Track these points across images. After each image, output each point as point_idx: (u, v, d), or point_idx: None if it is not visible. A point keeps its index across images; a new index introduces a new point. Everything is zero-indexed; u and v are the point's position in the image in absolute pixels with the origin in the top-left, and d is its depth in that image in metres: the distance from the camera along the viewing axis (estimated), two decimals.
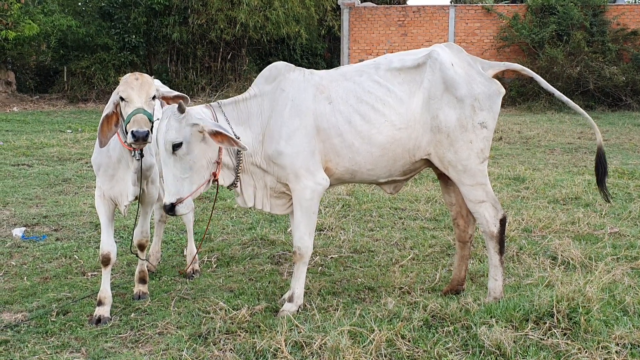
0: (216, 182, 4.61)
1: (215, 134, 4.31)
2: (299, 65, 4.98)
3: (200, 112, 4.48)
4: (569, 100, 4.83)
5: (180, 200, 4.35)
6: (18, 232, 6.87)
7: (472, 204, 4.69)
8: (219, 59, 24.30)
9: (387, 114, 4.58)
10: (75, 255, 6.15)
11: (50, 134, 14.45)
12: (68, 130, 15.24)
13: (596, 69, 21.52)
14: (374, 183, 4.88)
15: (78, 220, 7.35)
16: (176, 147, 4.33)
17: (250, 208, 4.91)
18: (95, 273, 5.72)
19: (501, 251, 4.72)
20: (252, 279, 5.49)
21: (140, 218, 5.21)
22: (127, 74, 4.66)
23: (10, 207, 7.98)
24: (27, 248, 6.38)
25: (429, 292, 5.03)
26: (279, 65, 4.88)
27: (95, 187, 5.01)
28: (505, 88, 4.85)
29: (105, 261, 4.82)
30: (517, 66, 4.90)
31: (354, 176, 4.74)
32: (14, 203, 8.15)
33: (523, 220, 6.96)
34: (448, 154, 4.58)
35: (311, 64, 30.27)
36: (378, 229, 6.97)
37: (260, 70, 4.86)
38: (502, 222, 4.69)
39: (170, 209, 4.35)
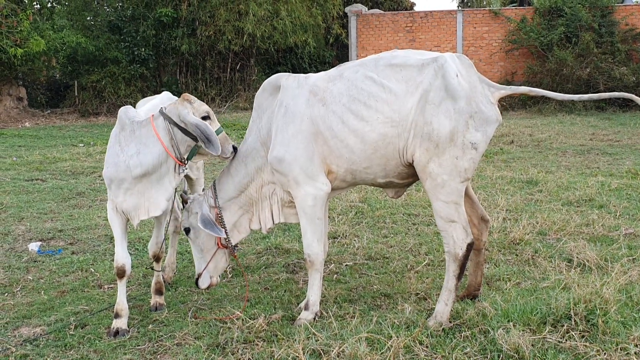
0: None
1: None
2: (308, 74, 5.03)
3: (201, 202, 4.97)
4: (592, 95, 4.70)
5: (199, 275, 5.01)
6: (34, 246, 6.91)
7: (441, 222, 4.49)
8: (228, 70, 24.42)
9: (380, 109, 4.47)
10: (91, 269, 6.19)
11: (63, 149, 14.54)
12: (80, 144, 15.33)
13: (606, 69, 21.46)
14: (374, 184, 4.84)
15: (93, 234, 7.39)
16: (187, 232, 5.01)
17: (270, 229, 5.04)
18: (112, 286, 5.75)
19: (459, 276, 4.52)
20: (268, 288, 5.50)
21: (155, 230, 5.24)
22: (189, 96, 4.81)
23: (25, 221, 8.03)
24: (43, 262, 6.42)
25: None
26: (271, 79, 4.99)
27: (107, 200, 5.03)
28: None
29: (121, 273, 4.84)
30: (524, 89, 4.75)
31: (355, 177, 4.72)
32: (29, 218, 8.21)
33: (537, 223, 6.94)
34: (431, 164, 4.40)
35: (319, 71, 30.28)
36: (392, 235, 6.97)
37: None
38: (469, 247, 4.49)
39: (196, 284, 5.06)
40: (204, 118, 4.76)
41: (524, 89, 4.71)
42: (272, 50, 23.97)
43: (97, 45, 22.07)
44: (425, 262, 5.95)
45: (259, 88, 5.12)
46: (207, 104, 23.75)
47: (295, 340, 4.17)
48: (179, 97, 5.10)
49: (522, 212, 7.59)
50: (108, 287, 5.73)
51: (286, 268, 6.03)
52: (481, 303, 4.63)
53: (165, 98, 5.59)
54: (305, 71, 30.22)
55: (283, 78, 4.86)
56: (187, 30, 23.05)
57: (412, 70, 4.50)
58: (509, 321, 4.31)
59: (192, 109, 4.70)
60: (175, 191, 5.02)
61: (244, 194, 4.95)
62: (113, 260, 6.31)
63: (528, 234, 6.57)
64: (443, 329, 4.35)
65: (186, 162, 4.84)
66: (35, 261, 6.49)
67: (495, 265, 5.78)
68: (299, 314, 4.80)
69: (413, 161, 4.48)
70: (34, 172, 11.58)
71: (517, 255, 6.07)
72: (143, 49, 22.58)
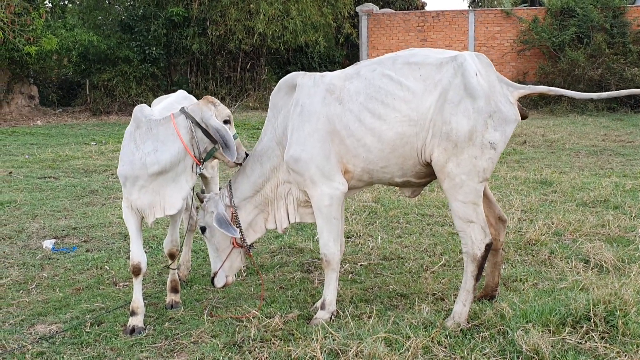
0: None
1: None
2: None
3: (217, 201, 4.95)
4: (611, 93, 4.62)
5: (215, 274, 4.99)
6: (48, 244, 6.92)
7: (459, 222, 4.46)
8: (238, 69, 24.42)
9: (398, 107, 4.43)
10: (106, 266, 6.19)
11: (75, 147, 14.57)
12: (92, 143, 15.37)
13: (618, 70, 21.37)
14: (391, 184, 4.80)
15: (107, 231, 7.39)
16: (203, 231, 4.99)
17: (285, 229, 5.02)
18: (127, 283, 5.75)
19: (478, 277, 4.48)
20: (283, 287, 5.48)
21: (170, 228, 5.23)
22: (212, 98, 4.84)
23: (39, 219, 8.05)
24: (58, 260, 6.43)
25: None
26: (286, 78, 4.96)
27: (121, 198, 5.03)
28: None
29: (136, 271, 4.83)
30: (543, 88, 4.69)
31: (371, 176, 4.68)
32: (42, 215, 8.22)
33: (553, 224, 6.90)
34: (450, 164, 4.36)
35: (330, 71, 30.25)
36: (406, 235, 6.94)
37: (279, 79, 5.00)
38: (488, 247, 4.45)
39: (212, 283, 5.04)
40: (225, 122, 4.77)
41: (542, 89, 4.67)
42: (282, 49, 23.94)
43: (108, 44, 22.12)
44: (441, 262, 5.92)
45: (268, 87, 5.15)
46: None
47: (313, 339, 4.15)
48: (194, 96, 5.12)
49: (537, 213, 7.55)
50: (123, 285, 5.73)
51: (300, 267, 6.02)
52: (499, 304, 4.60)
53: (180, 97, 5.59)
54: (315, 71, 30.20)
55: (299, 77, 4.84)
56: (198, 30, 23.08)
57: (431, 68, 4.46)
58: (527, 322, 4.28)
59: (215, 112, 4.71)
60: (192, 190, 5.02)
61: (260, 194, 4.93)
62: (128, 258, 6.35)
63: (544, 235, 6.53)
64: (461, 330, 4.32)
65: (203, 162, 4.84)
66: (49, 258, 6.50)
67: (512, 266, 5.74)
68: (315, 313, 4.78)
69: (431, 161, 4.45)
70: (46, 170, 11.60)
71: (533, 256, 6.03)
72: (154, 48, 22.61)
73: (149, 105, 5.32)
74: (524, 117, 4.53)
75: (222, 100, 23.20)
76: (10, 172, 11.18)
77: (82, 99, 22.99)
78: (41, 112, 21.88)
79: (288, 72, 28.63)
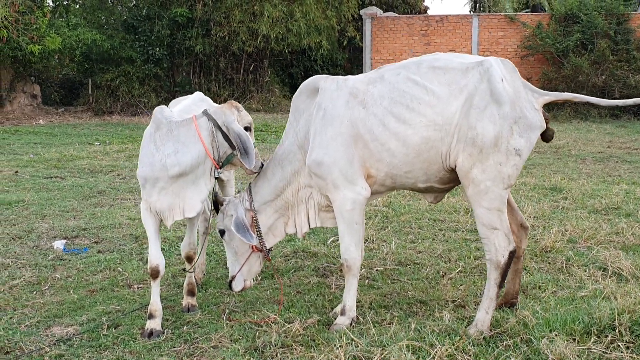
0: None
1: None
2: None
3: (237, 205, 4.91)
4: (637, 100, 4.60)
5: (232, 278, 4.96)
6: (59, 244, 6.88)
7: (483, 229, 4.41)
8: (241, 71, 24.41)
9: (423, 112, 4.39)
10: (119, 268, 6.15)
11: (79, 147, 14.52)
12: (96, 143, 15.33)
13: (621, 77, 21.41)
14: (414, 189, 4.76)
15: (117, 233, 7.35)
16: (222, 234, 4.96)
17: (305, 234, 4.98)
18: (141, 285, 5.71)
19: (501, 285, 4.44)
20: (300, 292, 5.44)
21: (187, 231, 5.19)
22: (236, 103, 4.83)
23: (48, 219, 8.00)
24: (70, 261, 6.38)
25: None
26: (308, 82, 4.93)
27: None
28: None
29: (155, 274, 4.78)
30: (568, 95, 4.66)
31: (394, 181, 4.64)
32: (51, 215, 8.17)
33: (567, 231, 6.87)
34: (475, 170, 4.33)
35: (331, 74, 30.17)
36: (420, 240, 6.91)
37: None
38: (511, 254, 4.41)
39: (229, 286, 5.01)
40: (246, 129, 4.75)
41: (567, 95, 4.64)
42: (285, 52, 23.94)
43: (112, 43, 22.09)
44: (458, 269, 5.88)
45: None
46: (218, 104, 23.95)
47: (336, 345, 4.11)
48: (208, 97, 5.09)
49: (549, 219, 7.52)
50: (137, 287, 5.68)
51: (316, 271, 5.98)
52: (521, 312, 4.57)
53: (197, 99, 5.56)
54: (317, 74, 30.12)
55: (321, 80, 4.80)
56: (202, 31, 23.06)
57: (456, 73, 4.43)
58: (550, 331, 4.25)
59: (237, 117, 4.68)
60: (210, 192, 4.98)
61: (280, 198, 4.89)
62: (140, 260, 6.32)
63: (558, 242, 6.49)
64: (484, 338, 4.29)
65: (222, 166, 4.80)
66: (61, 259, 6.45)
67: (530, 274, 5.71)
68: (335, 318, 4.75)
69: (455, 166, 4.41)
70: (52, 170, 11.56)
71: (549, 263, 5.99)
72: (157, 49, 22.58)
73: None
74: (546, 122, 4.50)
75: (225, 102, 23.17)
76: (16, 172, 11.14)
77: (84, 99, 22.95)
78: (43, 111, 21.83)
79: (291, 75, 28.76)
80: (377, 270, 5.93)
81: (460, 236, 7.02)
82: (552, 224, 7.23)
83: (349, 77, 4.76)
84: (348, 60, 30.99)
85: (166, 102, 22.83)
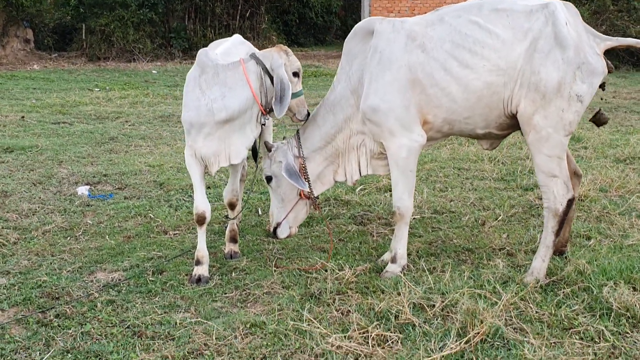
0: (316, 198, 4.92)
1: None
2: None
3: (286, 151, 4.77)
4: None
5: (278, 224, 4.83)
6: (83, 190, 6.76)
7: (543, 176, 4.34)
8: (238, 17, 23.91)
9: (487, 56, 4.27)
10: (150, 214, 6.05)
11: (80, 92, 14.24)
12: (96, 89, 15.03)
13: (621, 27, 21.19)
14: (471, 135, 4.67)
15: (141, 179, 7.22)
16: (268, 180, 4.83)
17: (356, 182, 4.89)
18: (177, 232, 5.63)
19: (558, 233, 4.39)
20: (342, 240, 5.38)
21: (231, 177, 5.10)
22: (285, 47, 4.65)
23: (65, 165, 7.86)
24: (98, 207, 6.28)
25: (532, 254, 4.89)
26: (362, 23, 4.76)
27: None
28: None
29: (201, 220, 4.69)
30: (632, 40, 4.51)
31: (452, 127, 4.54)
32: (68, 161, 8.02)
33: (597, 180, 6.82)
34: (536, 116, 4.24)
35: (326, 22, 29.91)
36: (449, 189, 6.84)
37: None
38: (570, 202, 4.35)
39: (274, 233, 4.89)
40: (294, 74, 4.60)
41: (631, 41, 4.52)
42: None
43: None
44: (496, 217, 5.83)
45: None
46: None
47: (399, 293, 4.07)
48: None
49: None
50: (174, 234, 5.60)
51: (353, 219, 5.91)
52: (576, 260, 4.54)
53: (237, 41, 5.38)
54: (311, 21, 29.77)
55: (377, 22, 4.63)
56: None
57: (520, 16, 4.30)
58: (607, 279, 4.23)
59: (286, 61, 4.52)
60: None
61: (331, 145, 4.77)
62: (170, 206, 6.24)
63: (590, 191, 6.46)
64: (541, 286, 4.26)
65: (267, 112, 4.66)
66: (88, 205, 6.34)
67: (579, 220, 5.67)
68: (384, 266, 4.70)
69: (516, 112, 4.32)
70: (57, 115, 11.33)
71: (586, 212, 5.96)
72: None
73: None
74: (609, 71, 4.40)
75: None
76: (23, 117, 10.91)
77: (78, 44, 22.36)
78: (37, 56, 21.34)
79: (286, 22, 28.32)
80: (414, 218, 5.87)
81: (488, 185, 6.96)
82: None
83: (406, 18, 4.60)
84: (342, 7, 30.61)
85: (161, 48, 22.53)
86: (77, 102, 12.79)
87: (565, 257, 4.76)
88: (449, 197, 6.54)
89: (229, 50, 5.10)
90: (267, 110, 4.62)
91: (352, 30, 4.75)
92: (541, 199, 6.08)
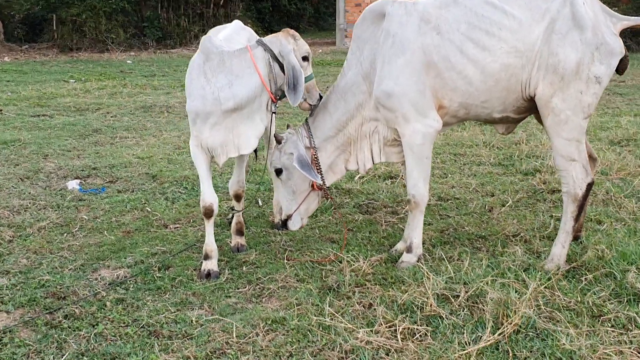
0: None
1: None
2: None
3: (297, 142, 4.56)
4: None
5: (288, 217, 4.66)
6: (74, 184, 6.55)
7: (561, 160, 4.26)
8: (212, 5, 23.53)
9: (504, 37, 4.15)
10: (147, 208, 5.87)
11: (55, 84, 13.89)
12: (71, 80, 14.68)
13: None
14: (488, 119, 4.54)
15: (132, 172, 7.02)
16: (278, 172, 4.61)
17: (369, 170, 4.76)
18: (178, 226, 5.46)
19: (577, 218, 4.33)
20: (351, 230, 5.24)
21: (237, 168, 4.94)
22: (293, 31, 4.47)
23: (51, 158, 7.62)
24: (92, 201, 6.07)
25: (547, 240, 4.81)
26: (372, 6, 4.59)
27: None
28: None
29: (208, 213, 4.53)
30: None
31: (468, 111, 4.42)
32: (53, 155, 7.79)
33: (597, 164, 6.76)
34: (555, 99, 4.16)
35: (299, 9, 29.66)
36: (448, 175, 6.74)
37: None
38: (589, 187, 4.28)
39: (284, 226, 4.72)
40: (304, 58, 4.44)
41: None
42: None
43: None
44: (503, 202, 5.74)
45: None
46: (190, 41, 22.96)
47: (419, 283, 3.95)
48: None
49: None
50: (174, 227, 5.43)
51: (359, 208, 5.78)
52: (595, 245, 4.46)
53: (237, 27, 5.21)
54: (284, 8, 29.49)
55: (388, 4, 4.46)
56: None
57: None
58: (629, 264, 4.17)
59: (295, 46, 4.36)
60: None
61: (342, 133, 4.61)
62: (166, 199, 6.06)
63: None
64: (563, 273, 4.17)
65: (277, 98, 4.50)
66: (81, 200, 6.13)
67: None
68: (399, 256, 4.58)
69: (534, 95, 4.21)
70: (36, 108, 11.02)
71: (592, 195, 5.86)
72: None
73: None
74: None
75: (195, 37, 22.38)
76: (0, 110, 10.59)
77: (49, 35, 21.87)
78: (7, 48, 20.81)
79: (260, 10, 28.02)
80: None
81: (487, 170, 6.88)
82: None
83: (418, 0, 4.45)
84: None
85: (134, 38, 22.13)
86: (54, 94, 12.47)
87: (580, 242, 4.69)
88: (450, 183, 6.44)
89: (231, 36, 4.93)
90: (277, 98, 4.47)
91: (362, 14, 4.59)
92: (545, 183, 6.09)
